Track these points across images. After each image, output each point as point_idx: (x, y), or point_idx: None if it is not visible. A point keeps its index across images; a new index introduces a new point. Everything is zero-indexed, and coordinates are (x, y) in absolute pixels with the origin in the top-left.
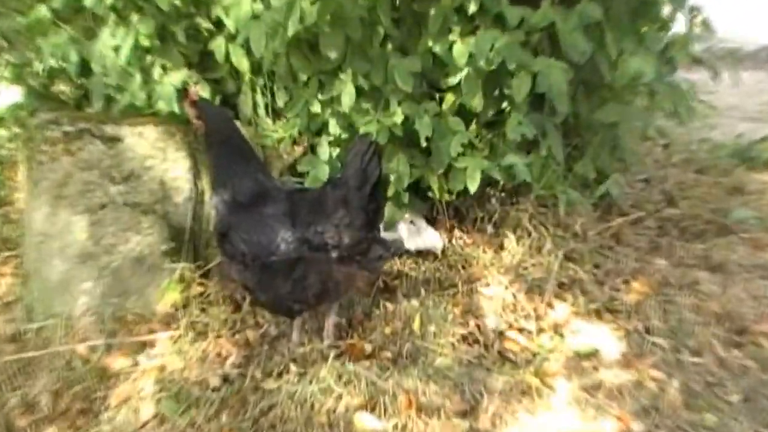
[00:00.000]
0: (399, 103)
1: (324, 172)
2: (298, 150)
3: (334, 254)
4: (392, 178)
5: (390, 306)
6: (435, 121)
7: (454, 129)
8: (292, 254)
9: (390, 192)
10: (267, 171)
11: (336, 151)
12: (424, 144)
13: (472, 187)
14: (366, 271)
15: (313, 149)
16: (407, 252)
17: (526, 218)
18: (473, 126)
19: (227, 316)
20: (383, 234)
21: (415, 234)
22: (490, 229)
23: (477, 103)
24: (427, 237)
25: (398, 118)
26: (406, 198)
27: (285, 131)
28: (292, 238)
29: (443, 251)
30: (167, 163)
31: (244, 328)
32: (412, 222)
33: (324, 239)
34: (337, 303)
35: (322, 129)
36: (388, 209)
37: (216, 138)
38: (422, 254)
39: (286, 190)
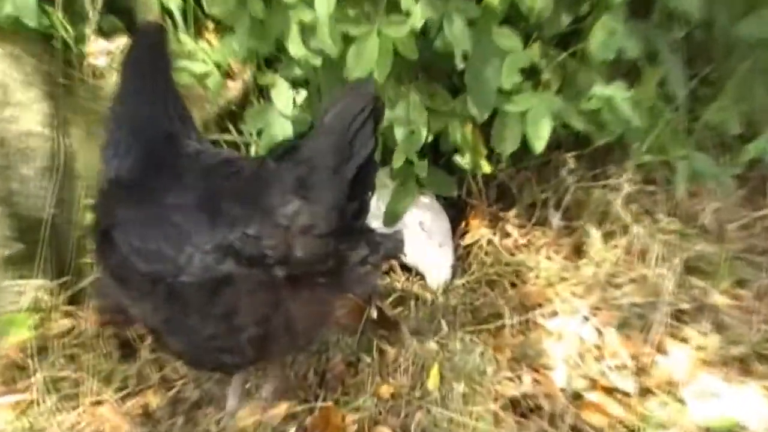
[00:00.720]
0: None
1: (284, 128)
2: (236, 88)
3: (280, 272)
4: (399, 134)
5: (390, 350)
6: (472, 33)
7: (503, 46)
8: (212, 273)
9: (396, 161)
10: (192, 125)
11: (302, 94)
12: (460, 65)
13: (539, 145)
14: (345, 293)
15: (261, 90)
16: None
17: (619, 202)
18: (533, 45)
19: (113, 367)
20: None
21: (421, 243)
22: (557, 219)
23: (540, 1)
24: (433, 256)
25: (417, 22)
26: (423, 169)
27: (214, 58)
28: (211, 246)
29: (454, 274)
30: (10, 109)
31: (142, 389)
32: (421, 223)
33: (260, 248)
34: (288, 356)
35: (278, 55)
36: (394, 191)
37: (136, 66)
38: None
39: (203, 164)
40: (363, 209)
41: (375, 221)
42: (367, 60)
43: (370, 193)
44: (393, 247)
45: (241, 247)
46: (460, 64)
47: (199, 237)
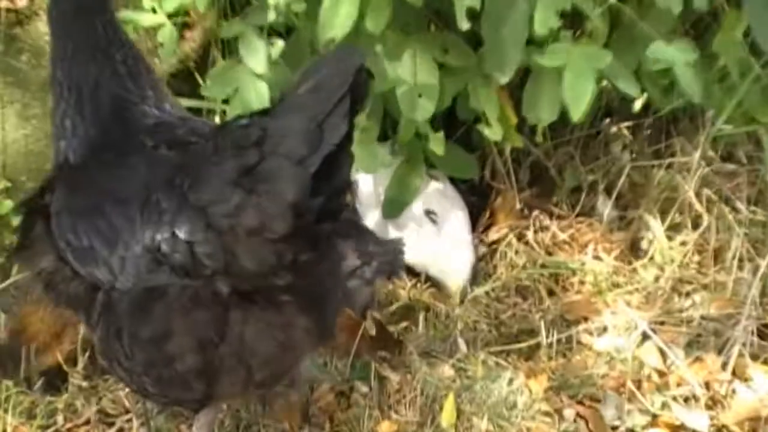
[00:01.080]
0: None
1: (260, 93)
2: (193, 40)
3: (223, 287)
4: (403, 98)
5: (392, 376)
6: None
7: None
8: (144, 283)
9: (403, 133)
10: (148, 82)
11: (278, 47)
12: (464, 25)
13: (577, 111)
14: (324, 315)
15: (227, 43)
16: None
17: (689, 186)
18: None
19: (36, 398)
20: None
21: (432, 239)
22: (608, 209)
23: None
24: (447, 257)
25: None
26: (438, 143)
27: (166, 5)
28: (141, 248)
29: (474, 277)
30: None
31: (72, 426)
32: (431, 213)
33: (194, 255)
34: (250, 393)
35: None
36: (396, 172)
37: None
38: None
39: (154, 138)
40: (333, 208)
41: (372, 211)
42: (345, 13)
43: (343, 188)
44: (390, 260)
45: (170, 253)
46: (463, 24)
47: (128, 235)
